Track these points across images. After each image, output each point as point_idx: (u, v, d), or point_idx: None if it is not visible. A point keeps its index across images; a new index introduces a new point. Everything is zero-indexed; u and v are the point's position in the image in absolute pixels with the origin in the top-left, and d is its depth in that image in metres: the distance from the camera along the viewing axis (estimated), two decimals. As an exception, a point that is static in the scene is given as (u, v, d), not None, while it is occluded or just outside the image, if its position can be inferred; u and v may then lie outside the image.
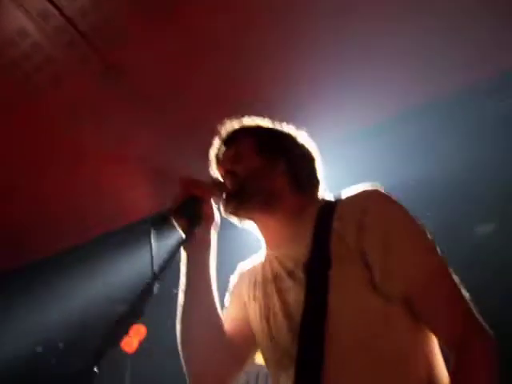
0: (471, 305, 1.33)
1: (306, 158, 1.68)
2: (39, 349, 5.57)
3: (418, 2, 2.96)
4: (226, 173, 1.60)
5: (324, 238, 1.43)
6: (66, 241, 5.28)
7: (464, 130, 3.35)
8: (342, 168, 3.35)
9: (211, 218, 1.54)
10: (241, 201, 1.54)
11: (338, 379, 1.29)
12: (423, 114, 3.44)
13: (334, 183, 1.68)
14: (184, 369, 1.53)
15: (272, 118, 1.76)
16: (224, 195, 1.55)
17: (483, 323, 1.30)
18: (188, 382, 1.53)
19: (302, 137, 1.71)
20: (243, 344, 1.62)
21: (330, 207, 1.51)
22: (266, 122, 1.72)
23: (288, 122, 1.74)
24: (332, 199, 1.60)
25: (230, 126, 1.71)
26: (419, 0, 2.96)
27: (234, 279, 1.75)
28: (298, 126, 1.74)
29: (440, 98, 3.34)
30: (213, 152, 1.70)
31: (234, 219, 1.60)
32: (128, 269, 4.35)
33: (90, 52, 3.53)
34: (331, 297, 1.34)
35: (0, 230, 5.39)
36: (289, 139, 1.69)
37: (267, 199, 1.56)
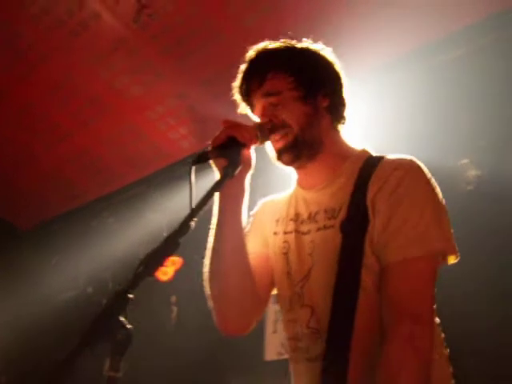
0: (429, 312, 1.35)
1: (341, 84, 1.60)
2: (90, 289, 5.78)
3: None
4: (270, 120, 1.50)
5: (362, 198, 1.43)
6: (111, 184, 5.40)
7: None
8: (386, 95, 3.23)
9: (249, 162, 1.51)
10: (298, 154, 1.51)
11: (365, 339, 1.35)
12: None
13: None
14: (210, 305, 1.54)
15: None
16: (279, 145, 1.52)
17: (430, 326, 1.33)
18: (214, 317, 1.54)
19: (329, 55, 1.61)
20: (266, 283, 1.62)
21: (372, 166, 1.48)
22: (292, 44, 1.59)
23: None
24: (374, 154, 1.57)
25: (256, 54, 1.57)
26: None
27: (255, 213, 1.72)
28: (339, 51, 1.61)
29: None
30: (239, 87, 1.59)
31: (279, 165, 1.56)
32: (170, 209, 4.39)
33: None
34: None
35: (55, 177, 5.56)
36: (323, 64, 1.59)
37: (317, 146, 1.53)
